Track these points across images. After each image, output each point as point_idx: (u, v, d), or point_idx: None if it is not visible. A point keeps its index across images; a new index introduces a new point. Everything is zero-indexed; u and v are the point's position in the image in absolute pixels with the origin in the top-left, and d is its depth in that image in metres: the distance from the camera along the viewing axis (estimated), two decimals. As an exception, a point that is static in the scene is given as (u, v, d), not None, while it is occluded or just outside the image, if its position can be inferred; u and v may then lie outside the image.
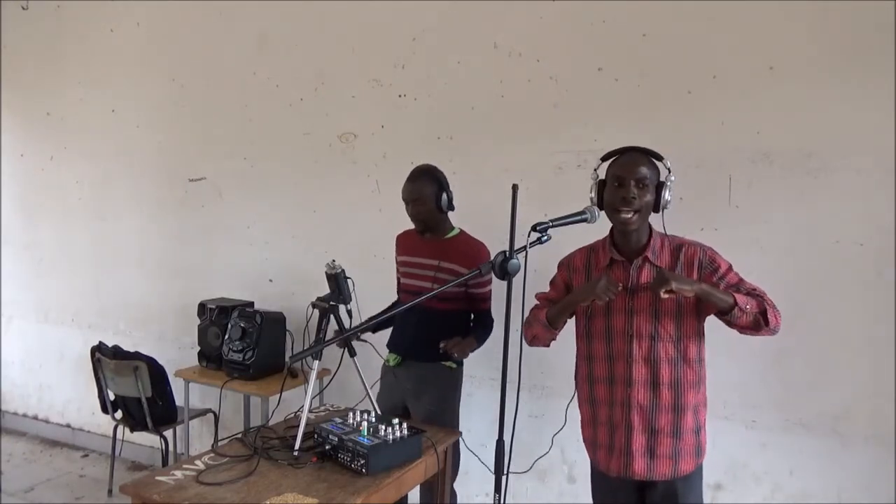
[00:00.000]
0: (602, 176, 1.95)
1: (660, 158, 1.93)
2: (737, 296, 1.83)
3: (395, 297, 2.83)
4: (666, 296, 1.79)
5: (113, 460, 3.67)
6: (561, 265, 2.13)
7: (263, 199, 3.65)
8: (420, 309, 2.30)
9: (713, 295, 1.83)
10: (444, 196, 2.60)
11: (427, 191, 2.57)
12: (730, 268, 1.94)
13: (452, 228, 2.68)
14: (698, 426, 1.97)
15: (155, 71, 3.92)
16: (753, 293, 1.89)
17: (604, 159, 1.97)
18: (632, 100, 2.72)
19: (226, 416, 3.57)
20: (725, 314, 1.86)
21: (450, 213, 2.68)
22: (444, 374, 2.62)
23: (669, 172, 1.91)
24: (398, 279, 2.79)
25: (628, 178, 1.87)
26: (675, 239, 1.97)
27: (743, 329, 1.90)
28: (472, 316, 2.68)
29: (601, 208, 1.94)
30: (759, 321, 1.86)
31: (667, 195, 1.89)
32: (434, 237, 2.65)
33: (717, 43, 2.58)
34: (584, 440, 2.11)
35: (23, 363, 4.64)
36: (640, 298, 1.93)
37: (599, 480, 2.09)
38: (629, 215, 1.87)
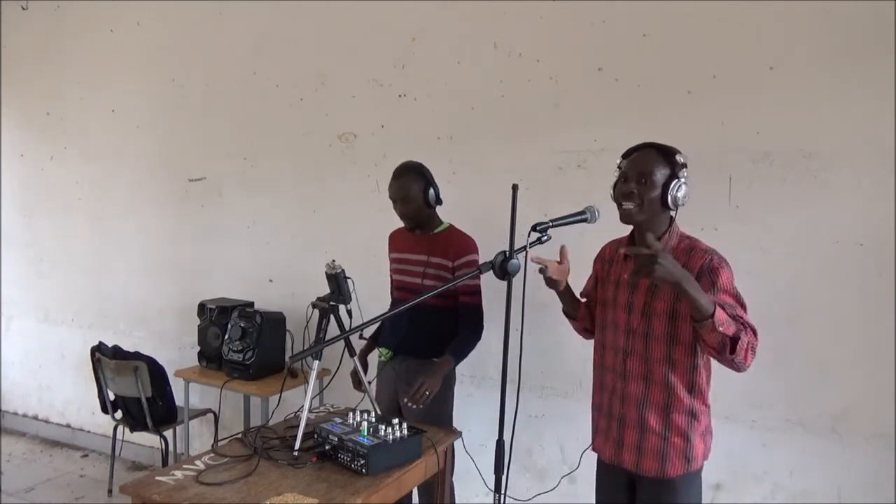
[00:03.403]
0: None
1: (672, 154, 1.88)
2: (718, 312, 1.70)
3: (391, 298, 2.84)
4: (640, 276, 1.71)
5: (113, 460, 3.67)
6: (595, 258, 2.17)
7: (263, 199, 3.65)
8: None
9: (690, 293, 1.67)
10: (431, 191, 2.59)
11: (414, 188, 2.57)
12: (731, 290, 1.84)
13: (441, 223, 2.67)
14: (691, 431, 1.90)
15: (155, 71, 3.92)
16: (739, 321, 1.77)
17: (624, 156, 1.96)
18: (632, 100, 2.72)
19: (226, 416, 3.58)
20: (697, 321, 1.73)
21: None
22: None
23: (683, 167, 1.87)
24: (391, 277, 2.80)
25: (630, 173, 1.88)
26: (692, 241, 1.93)
27: (706, 346, 1.79)
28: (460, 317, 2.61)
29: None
30: (725, 344, 1.73)
31: (675, 191, 1.85)
32: (423, 233, 2.65)
33: (717, 43, 2.58)
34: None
35: (23, 363, 4.64)
36: (639, 296, 1.94)
37: (598, 464, 2.12)
38: (626, 208, 1.88)
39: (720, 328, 1.70)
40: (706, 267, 1.83)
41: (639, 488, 1.99)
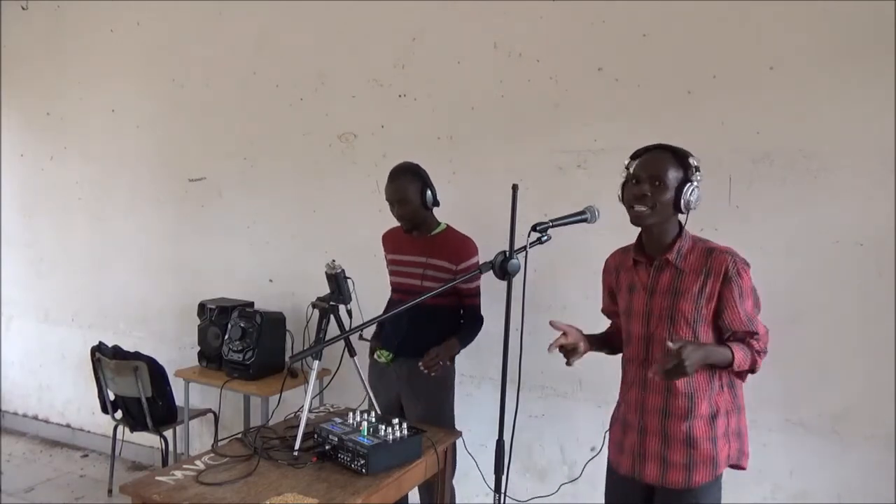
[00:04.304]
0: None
1: (686, 157, 1.87)
2: (736, 356, 1.83)
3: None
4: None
5: (113, 460, 3.67)
6: (603, 271, 2.14)
7: (263, 199, 3.65)
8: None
9: (712, 360, 1.83)
10: (428, 192, 2.58)
11: (411, 189, 2.56)
12: (751, 294, 1.88)
13: (438, 224, 2.67)
14: (715, 436, 1.89)
15: (155, 71, 3.92)
16: (752, 342, 1.87)
17: (633, 157, 1.93)
18: (632, 100, 2.72)
19: (226, 416, 3.57)
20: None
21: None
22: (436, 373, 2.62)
23: (696, 171, 1.85)
24: (390, 279, 2.80)
25: (643, 175, 1.85)
26: (705, 242, 1.91)
27: None
28: (462, 312, 2.68)
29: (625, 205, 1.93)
30: (745, 372, 1.91)
31: (688, 195, 1.83)
32: (420, 234, 2.65)
33: (717, 43, 2.58)
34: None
35: (23, 363, 4.64)
36: (658, 301, 1.90)
37: (610, 475, 2.08)
38: (638, 210, 1.85)
39: (738, 368, 1.85)
40: (732, 273, 1.83)
41: (658, 499, 1.95)
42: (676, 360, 1.70)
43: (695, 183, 1.85)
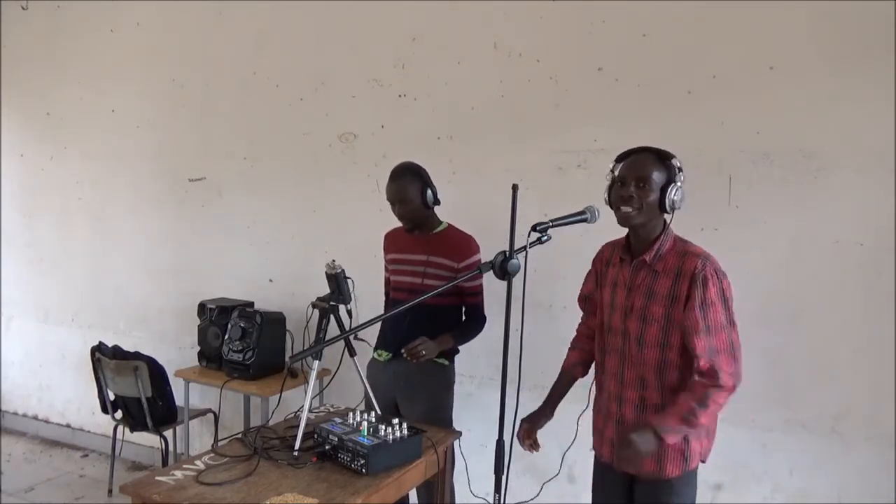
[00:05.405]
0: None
1: (669, 158, 1.91)
2: (695, 422, 1.85)
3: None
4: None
5: (113, 460, 3.67)
6: (594, 258, 2.18)
7: (263, 199, 3.65)
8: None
9: (674, 433, 1.85)
10: (429, 192, 2.59)
11: (411, 189, 2.56)
12: (716, 301, 1.83)
13: (440, 223, 2.67)
14: None
15: (155, 71, 3.92)
16: (702, 382, 1.86)
17: (618, 160, 1.97)
18: (632, 100, 2.72)
19: (226, 416, 3.57)
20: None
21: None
22: (436, 373, 2.62)
23: (679, 172, 1.89)
24: (387, 278, 2.81)
25: (629, 177, 1.89)
26: (685, 245, 1.94)
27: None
28: (464, 311, 2.68)
29: (612, 207, 1.96)
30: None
31: (673, 195, 1.87)
32: (422, 233, 2.65)
33: (717, 43, 2.58)
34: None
35: (23, 363, 4.64)
36: (634, 300, 1.95)
37: (595, 463, 2.15)
38: (625, 211, 1.88)
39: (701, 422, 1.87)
40: (698, 276, 1.84)
41: (636, 489, 2.00)
42: (630, 450, 1.82)
43: (678, 183, 1.89)
